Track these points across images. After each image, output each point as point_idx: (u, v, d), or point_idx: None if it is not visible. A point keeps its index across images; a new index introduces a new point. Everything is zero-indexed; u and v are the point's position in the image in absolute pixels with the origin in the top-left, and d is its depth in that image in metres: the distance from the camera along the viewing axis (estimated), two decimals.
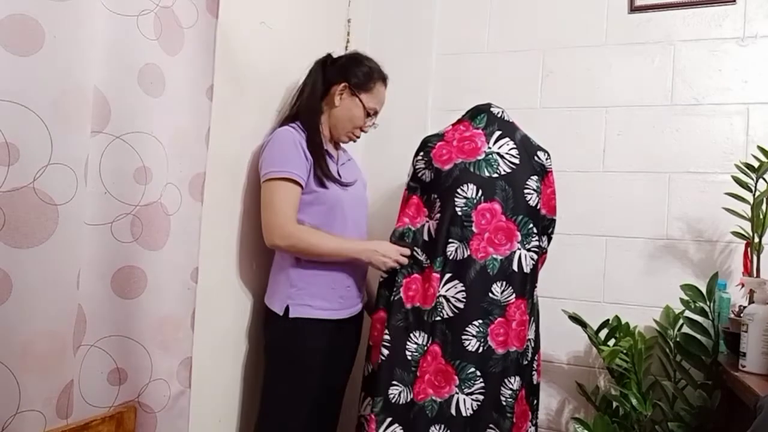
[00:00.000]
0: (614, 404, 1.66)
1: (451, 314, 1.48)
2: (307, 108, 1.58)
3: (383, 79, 1.65)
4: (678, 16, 1.86)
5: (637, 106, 1.88)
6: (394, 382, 1.46)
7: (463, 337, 1.46)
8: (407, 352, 1.48)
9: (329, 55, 1.65)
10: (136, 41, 1.07)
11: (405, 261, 1.53)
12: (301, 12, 1.77)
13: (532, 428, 1.59)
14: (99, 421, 1.03)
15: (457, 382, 1.46)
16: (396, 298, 1.52)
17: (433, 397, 1.46)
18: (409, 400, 1.46)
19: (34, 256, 0.89)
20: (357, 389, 1.63)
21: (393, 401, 1.45)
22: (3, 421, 0.86)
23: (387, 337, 1.49)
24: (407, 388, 1.47)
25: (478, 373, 1.45)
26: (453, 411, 1.45)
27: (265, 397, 1.50)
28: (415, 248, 1.56)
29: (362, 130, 1.64)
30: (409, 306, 1.51)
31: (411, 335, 1.49)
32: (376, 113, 1.64)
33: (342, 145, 1.69)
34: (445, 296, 1.49)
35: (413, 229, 1.59)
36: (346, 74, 1.60)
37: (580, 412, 1.86)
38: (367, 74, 1.61)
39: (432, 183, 1.59)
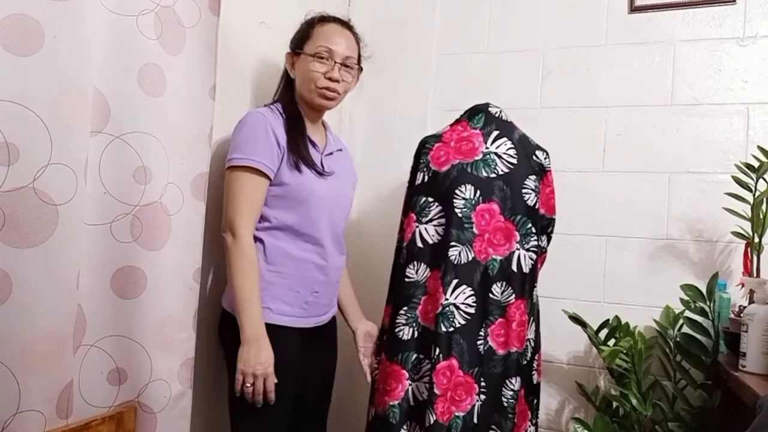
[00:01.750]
0: (614, 404, 1.66)
1: (463, 322, 1.43)
2: (280, 91, 1.48)
3: (322, 19, 1.45)
4: (678, 16, 1.85)
5: (637, 106, 1.87)
6: (427, 408, 1.39)
7: (478, 342, 1.44)
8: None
9: None
10: (136, 41, 1.07)
11: (255, 393, 1.24)
12: (301, 12, 1.76)
13: (532, 428, 1.59)
14: (99, 421, 1.03)
15: (477, 390, 1.42)
16: (411, 337, 1.46)
17: (456, 414, 1.40)
18: (432, 422, 1.37)
19: (34, 256, 0.89)
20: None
21: (426, 425, 1.38)
22: (3, 421, 0.86)
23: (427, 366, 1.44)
24: (428, 409, 1.38)
25: (481, 374, 1.45)
26: (476, 419, 1.41)
27: (233, 411, 1.35)
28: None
29: (331, 80, 1.40)
30: (434, 326, 1.45)
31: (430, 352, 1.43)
32: (330, 52, 1.40)
33: (331, 138, 1.54)
34: (454, 304, 1.44)
35: (404, 245, 1.54)
36: (289, 45, 1.48)
37: (580, 412, 1.86)
38: (302, 28, 1.46)
39: (427, 185, 1.56)
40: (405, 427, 1.44)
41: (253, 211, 1.31)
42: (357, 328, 1.58)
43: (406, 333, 1.47)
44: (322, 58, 1.40)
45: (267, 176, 1.31)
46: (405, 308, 1.49)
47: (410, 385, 1.46)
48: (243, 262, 1.27)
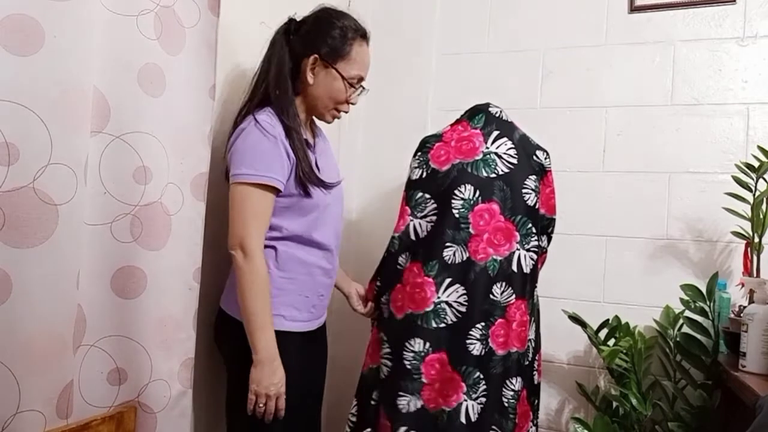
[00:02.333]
0: (614, 404, 1.66)
1: (455, 319, 1.46)
2: (278, 91, 1.34)
3: (362, 36, 1.39)
4: (678, 16, 1.86)
5: (637, 106, 1.87)
6: (401, 393, 1.44)
7: (467, 341, 1.45)
8: (405, 362, 1.45)
9: (292, 21, 1.40)
10: (136, 41, 1.07)
11: (266, 413, 1.25)
12: (301, 12, 1.77)
13: (533, 428, 1.59)
14: (99, 421, 1.03)
15: (465, 389, 1.43)
16: (386, 316, 1.54)
17: (443, 408, 1.42)
18: (419, 406, 1.43)
19: (34, 256, 0.89)
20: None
21: (404, 411, 1.43)
22: (3, 421, 0.86)
23: (387, 350, 1.51)
24: (414, 396, 1.43)
25: (481, 376, 1.45)
26: (463, 419, 1.42)
27: (230, 414, 1.34)
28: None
29: (349, 103, 1.41)
30: (400, 316, 1.50)
31: (407, 344, 1.46)
32: (360, 80, 1.40)
33: (316, 122, 1.50)
34: (446, 302, 1.46)
35: (396, 235, 1.57)
36: (315, 43, 1.35)
37: (580, 412, 1.86)
38: (340, 37, 1.35)
39: (425, 181, 1.57)
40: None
41: (264, 229, 1.29)
42: (350, 292, 1.64)
43: (384, 312, 1.57)
44: (353, 85, 1.39)
45: (278, 191, 1.29)
46: (391, 292, 1.56)
47: (382, 360, 1.53)
48: (256, 283, 1.24)
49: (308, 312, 1.39)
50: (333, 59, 1.35)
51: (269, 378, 1.23)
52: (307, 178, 1.32)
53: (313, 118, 1.49)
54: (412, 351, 1.45)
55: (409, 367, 1.45)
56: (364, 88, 1.45)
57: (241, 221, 1.25)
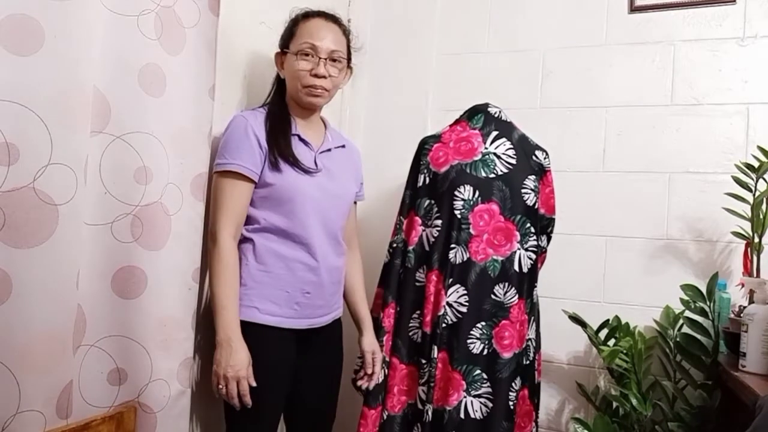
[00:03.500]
0: (614, 404, 1.66)
1: (455, 319, 1.47)
2: (274, 95, 1.46)
3: (306, 15, 1.41)
4: (678, 16, 1.86)
5: (637, 106, 1.87)
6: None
7: (468, 341, 1.46)
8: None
9: None
10: (137, 41, 1.07)
11: (229, 396, 1.24)
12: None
13: (534, 428, 1.59)
14: (99, 421, 1.03)
15: (465, 386, 1.44)
16: (421, 336, 1.51)
17: (444, 407, 1.44)
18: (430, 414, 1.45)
19: (34, 256, 0.89)
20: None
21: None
22: (3, 421, 0.86)
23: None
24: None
25: (485, 376, 1.45)
26: (462, 415, 1.43)
27: (226, 412, 1.35)
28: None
29: (317, 77, 1.37)
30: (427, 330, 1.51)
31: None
32: (314, 48, 1.36)
33: (330, 135, 1.49)
34: (448, 302, 1.47)
35: (411, 248, 1.56)
36: (279, 45, 1.45)
37: (580, 412, 1.86)
38: (288, 26, 1.42)
39: (428, 187, 1.57)
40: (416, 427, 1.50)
41: (234, 216, 1.30)
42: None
43: (419, 336, 1.51)
44: (307, 54, 1.36)
45: (250, 179, 1.31)
46: (418, 312, 1.52)
47: (420, 387, 1.50)
48: (220, 267, 1.27)
49: (290, 309, 1.35)
50: (286, 44, 1.41)
51: (227, 359, 1.24)
52: (278, 152, 1.33)
53: (327, 123, 1.52)
54: (426, 361, 1.50)
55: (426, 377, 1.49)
56: (337, 60, 1.39)
57: (213, 210, 1.31)
